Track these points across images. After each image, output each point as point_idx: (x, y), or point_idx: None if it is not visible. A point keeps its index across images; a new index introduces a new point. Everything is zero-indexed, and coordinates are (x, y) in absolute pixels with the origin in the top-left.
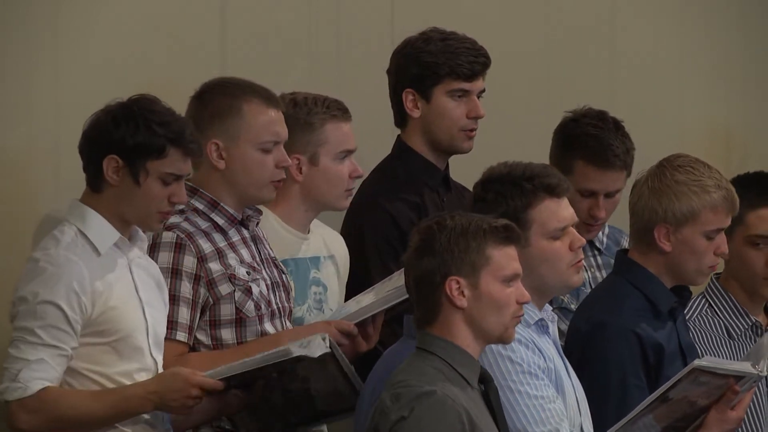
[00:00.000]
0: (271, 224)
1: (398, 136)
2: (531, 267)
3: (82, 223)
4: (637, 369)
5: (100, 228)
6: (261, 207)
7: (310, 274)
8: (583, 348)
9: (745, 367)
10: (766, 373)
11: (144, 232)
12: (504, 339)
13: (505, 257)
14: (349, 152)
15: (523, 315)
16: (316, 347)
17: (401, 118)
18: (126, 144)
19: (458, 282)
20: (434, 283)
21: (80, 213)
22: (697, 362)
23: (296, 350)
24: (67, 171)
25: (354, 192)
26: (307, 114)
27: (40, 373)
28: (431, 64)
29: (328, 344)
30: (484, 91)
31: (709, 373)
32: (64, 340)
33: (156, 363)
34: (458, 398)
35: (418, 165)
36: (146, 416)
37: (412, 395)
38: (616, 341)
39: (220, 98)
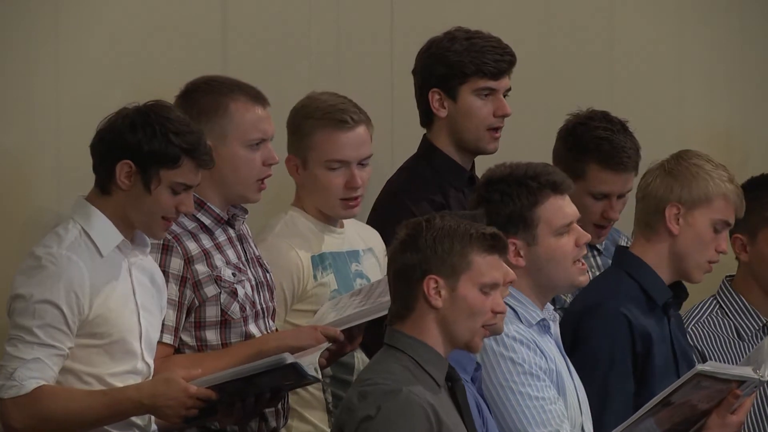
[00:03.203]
0: (301, 221)
1: (424, 135)
2: (538, 265)
3: (87, 223)
4: (625, 353)
5: (105, 229)
6: (294, 209)
7: (351, 267)
8: (574, 329)
9: (746, 371)
10: (767, 378)
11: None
12: (470, 347)
13: (487, 265)
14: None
15: (495, 325)
16: (310, 368)
17: (427, 118)
18: (141, 150)
19: (437, 281)
20: (413, 278)
21: (86, 212)
22: (699, 367)
23: (290, 358)
24: (67, 170)
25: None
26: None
27: (35, 372)
28: (457, 63)
29: (320, 375)
30: (509, 89)
31: (711, 378)
32: (61, 340)
33: (148, 367)
34: (425, 396)
35: (444, 165)
36: (134, 418)
37: (378, 393)
38: (607, 322)
39: (206, 97)
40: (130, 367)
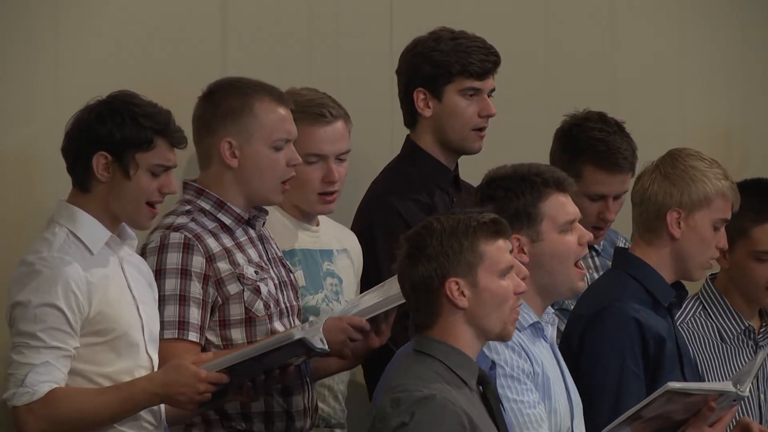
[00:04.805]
0: (276, 216)
1: (408, 136)
2: (541, 262)
3: (73, 224)
4: (636, 355)
5: (91, 228)
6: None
7: (323, 266)
8: (583, 332)
9: (719, 385)
10: (747, 394)
11: (135, 230)
12: (503, 336)
13: (498, 251)
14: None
15: (520, 306)
16: (317, 340)
17: (412, 118)
18: (114, 139)
19: (457, 283)
20: (432, 287)
21: (69, 214)
22: (670, 385)
23: (298, 333)
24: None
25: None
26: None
27: (46, 376)
28: (443, 63)
29: (326, 347)
30: (494, 90)
31: (683, 394)
32: (66, 341)
33: (151, 360)
34: (458, 401)
35: (428, 165)
36: (145, 415)
37: (411, 400)
38: (617, 326)
39: (231, 97)
40: (136, 361)
